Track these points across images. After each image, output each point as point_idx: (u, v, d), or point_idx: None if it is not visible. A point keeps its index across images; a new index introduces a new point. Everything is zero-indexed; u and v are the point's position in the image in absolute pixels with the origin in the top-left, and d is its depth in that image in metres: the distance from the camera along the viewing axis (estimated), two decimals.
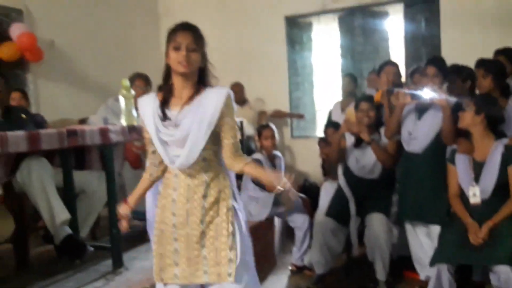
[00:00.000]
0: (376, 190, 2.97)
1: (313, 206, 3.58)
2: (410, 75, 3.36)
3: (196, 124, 1.59)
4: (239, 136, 1.69)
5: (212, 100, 1.61)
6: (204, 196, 1.66)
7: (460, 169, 2.51)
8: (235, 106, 1.68)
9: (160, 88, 1.73)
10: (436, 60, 2.83)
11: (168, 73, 1.66)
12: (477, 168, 2.45)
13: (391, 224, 2.85)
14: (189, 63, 1.57)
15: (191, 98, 1.62)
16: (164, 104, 1.64)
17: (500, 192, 2.37)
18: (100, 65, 4.77)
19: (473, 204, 2.43)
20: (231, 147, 1.65)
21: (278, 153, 3.41)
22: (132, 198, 1.80)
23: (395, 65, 3.32)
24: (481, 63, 2.80)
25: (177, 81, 1.64)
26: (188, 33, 1.59)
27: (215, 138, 1.65)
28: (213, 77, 1.69)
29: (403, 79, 3.62)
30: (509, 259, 2.16)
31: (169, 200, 1.70)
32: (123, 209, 1.80)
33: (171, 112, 1.63)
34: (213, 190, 1.67)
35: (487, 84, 2.72)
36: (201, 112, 1.60)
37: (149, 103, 1.67)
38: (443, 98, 2.56)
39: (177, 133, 1.61)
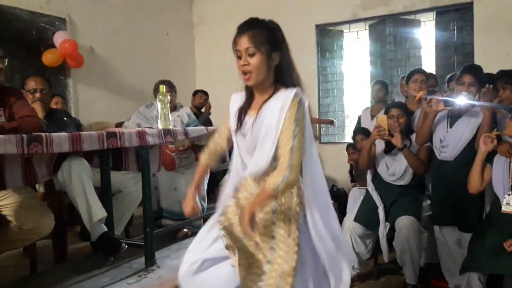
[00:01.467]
0: (406, 195, 2.95)
1: (340, 212, 3.59)
2: (447, 82, 3.34)
3: (263, 133, 1.48)
4: (295, 146, 1.43)
5: (277, 106, 1.46)
6: (274, 212, 1.54)
7: (496, 172, 2.44)
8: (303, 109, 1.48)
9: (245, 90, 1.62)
10: (473, 68, 2.76)
11: None
12: None
13: (421, 228, 2.83)
14: (250, 71, 1.46)
15: (262, 105, 1.51)
16: (244, 109, 1.57)
17: None
18: (136, 71, 4.96)
19: (504, 212, 2.38)
20: (284, 158, 1.44)
21: None
22: (195, 182, 1.75)
23: (423, 73, 3.30)
24: (499, 74, 2.73)
25: (252, 88, 1.56)
26: (245, 36, 1.47)
27: None
28: (295, 74, 1.55)
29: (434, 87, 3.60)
30: None
31: (246, 203, 1.58)
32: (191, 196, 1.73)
33: (248, 118, 1.56)
34: (283, 206, 1.55)
35: (507, 95, 2.65)
36: (268, 120, 1.47)
37: (237, 102, 1.62)
38: (487, 106, 2.50)
39: (247, 141, 1.54)
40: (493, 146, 2.42)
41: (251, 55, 1.46)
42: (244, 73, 1.48)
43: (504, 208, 2.38)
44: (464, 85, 2.64)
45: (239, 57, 1.48)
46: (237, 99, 1.62)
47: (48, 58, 4.08)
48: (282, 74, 1.52)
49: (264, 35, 1.47)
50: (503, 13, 4.14)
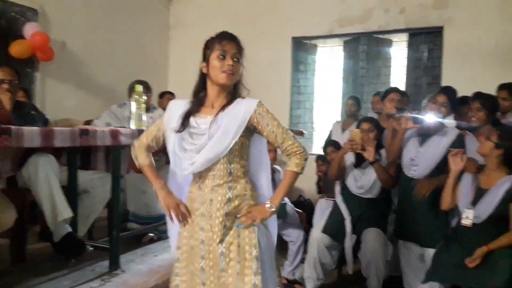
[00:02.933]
0: (373, 208, 3.02)
1: (307, 222, 3.63)
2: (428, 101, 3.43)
3: (221, 131, 1.54)
4: (287, 133, 1.61)
5: (241, 110, 1.56)
6: (227, 214, 1.58)
7: (462, 188, 2.53)
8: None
9: (194, 95, 1.67)
10: (449, 90, 2.85)
11: (203, 82, 1.63)
12: (478, 193, 2.47)
13: (387, 240, 2.90)
14: (234, 73, 1.55)
15: (223, 108, 1.58)
16: (191, 113, 1.61)
17: (492, 222, 2.41)
18: (108, 70, 4.85)
19: (463, 225, 2.47)
20: (288, 147, 1.60)
21: (277, 167, 3.46)
22: (159, 178, 1.75)
23: (400, 92, 3.39)
24: (478, 96, 2.83)
25: (212, 90, 1.61)
26: (233, 43, 1.57)
27: (243, 152, 1.61)
28: (245, 89, 1.66)
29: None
30: (505, 284, 2.21)
31: (197, 215, 1.63)
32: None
33: (201, 120, 1.59)
34: (237, 209, 1.59)
35: (480, 117, 2.75)
36: (229, 123, 1.55)
37: (181, 107, 1.64)
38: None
39: (202, 140, 1.57)
40: (463, 164, 2.51)
41: (236, 61, 1.57)
42: (226, 72, 1.55)
43: (463, 221, 2.47)
44: (437, 104, 2.74)
45: (222, 57, 1.55)
46: (179, 105, 1.66)
47: (16, 49, 3.91)
48: (238, 86, 1.65)
49: (243, 51, 1.63)
50: (471, 39, 4.35)
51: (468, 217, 2.45)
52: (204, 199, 1.61)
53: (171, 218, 1.67)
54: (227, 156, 1.57)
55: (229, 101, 1.60)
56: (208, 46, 1.59)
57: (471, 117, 2.80)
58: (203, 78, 1.63)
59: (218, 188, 1.59)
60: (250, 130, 1.60)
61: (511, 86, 3.21)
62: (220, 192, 1.59)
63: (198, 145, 1.57)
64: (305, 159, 1.61)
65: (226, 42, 1.56)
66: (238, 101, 1.60)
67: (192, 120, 1.60)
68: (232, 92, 1.62)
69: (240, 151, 1.60)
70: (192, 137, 1.59)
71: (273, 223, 1.75)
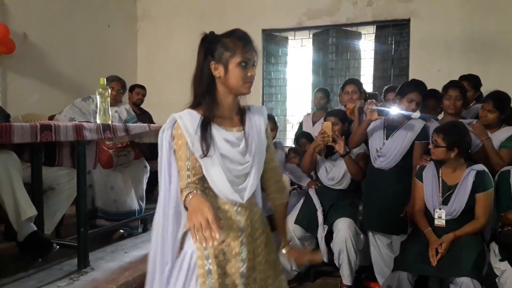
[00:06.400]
0: (344, 199, 3.06)
1: None
2: (384, 93, 3.49)
3: (258, 148, 1.41)
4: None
5: (260, 120, 1.45)
6: (263, 234, 1.47)
7: (427, 189, 2.58)
8: None
9: (196, 99, 1.40)
10: (422, 87, 2.86)
11: (211, 86, 1.37)
12: (446, 191, 2.53)
13: (358, 230, 2.94)
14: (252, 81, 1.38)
15: (241, 119, 1.43)
16: (208, 125, 1.35)
17: (464, 215, 2.48)
18: (73, 63, 4.70)
19: (437, 226, 2.52)
20: (277, 173, 1.50)
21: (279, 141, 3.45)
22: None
23: (355, 83, 3.45)
24: (456, 84, 2.88)
25: (227, 98, 1.39)
26: (253, 48, 1.37)
27: None
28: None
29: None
30: (471, 271, 2.26)
31: (236, 244, 1.38)
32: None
33: (231, 135, 1.39)
34: (262, 229, 1.47)
35: (459, 106, 2.80)
36: (260, 136, 1.43)
37: (192, 122, 1.34)
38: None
39: (246, 160, 1.39)
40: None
41: (254, 68, 1.39)
42: (248, 82, 1.37)
43: (437, 222, 2.52)
44: (412, 102, 2.75)
45: (245, 65, 1.34)
46: (191, 119, 1.35)
47: None
48: None
49: None
50: (436, 31, 4.45)
51: (441, 217, 2.51)
52: (243, 224, 1.40)
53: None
54: None
55: (240, 111, 1.44)
56: (227, 47, 1.34)
57: (482, 116, 2.77)
58: (211, 80, 1.37)
59: (253, 206, 1.44)
60: None
61: (471, 77, 3.30)
62: (255, 210, 1.45)
63: (243, 166, 1.39)
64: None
65: (248, 49, 1.34)
66: (250, 110, 1.46)
67: (223, 135, 1.37)
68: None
69: None
70: (230, 158, 1.37)
71: None
